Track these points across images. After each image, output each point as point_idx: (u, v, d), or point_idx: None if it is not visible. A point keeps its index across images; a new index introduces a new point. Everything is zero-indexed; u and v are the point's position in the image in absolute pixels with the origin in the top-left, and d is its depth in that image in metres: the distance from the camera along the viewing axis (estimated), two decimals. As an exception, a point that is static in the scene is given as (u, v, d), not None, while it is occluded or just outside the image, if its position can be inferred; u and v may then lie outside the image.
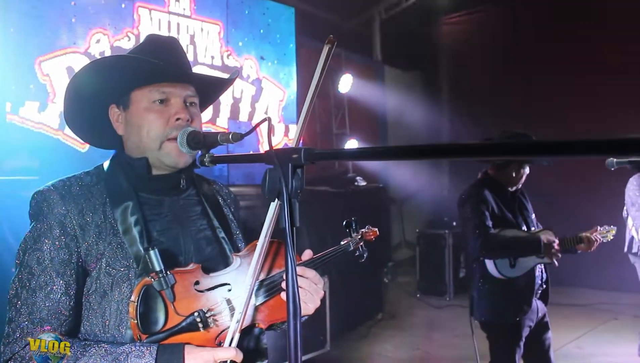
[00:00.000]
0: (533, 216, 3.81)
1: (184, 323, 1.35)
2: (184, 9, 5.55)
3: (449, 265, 8.07)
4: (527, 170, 3.67)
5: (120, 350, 1.30)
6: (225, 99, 5.99)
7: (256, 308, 1.51)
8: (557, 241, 3.51)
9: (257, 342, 1.62)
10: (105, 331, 1.40)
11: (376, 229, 2.01)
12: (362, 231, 1.94)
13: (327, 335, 5.42)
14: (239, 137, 1.32)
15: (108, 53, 4.79)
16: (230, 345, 1.34)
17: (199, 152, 1.43)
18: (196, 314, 1.36)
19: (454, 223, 8.12)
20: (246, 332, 1.51)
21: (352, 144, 8.31)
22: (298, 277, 1.52)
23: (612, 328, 6.49)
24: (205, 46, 5.75)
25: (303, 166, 1.11)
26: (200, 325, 1.36)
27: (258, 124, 1.27)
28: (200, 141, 1.43)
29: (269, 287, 1.53)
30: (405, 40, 9.15)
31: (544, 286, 3.64)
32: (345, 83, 8.09)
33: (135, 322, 1.32)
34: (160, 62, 1.50)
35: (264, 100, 6.44)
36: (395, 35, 9.33)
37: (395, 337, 6.40)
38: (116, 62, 1.59)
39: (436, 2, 9.38)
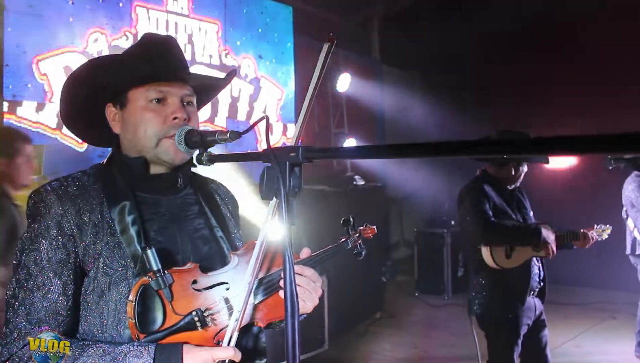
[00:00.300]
0: (531, 213, 3.83)
1: (182, 323, 1.35)
2: (182, 8, 5.54)
3: (447, 264, 8.08)
4: (525, 168, 3.69)
5: (119, 350, 1.30)
6: (224, 98, 5.98)
7: (254, 307, 1.51)
8: (555, 235, 3.53)
9: (256, 340, 1.62)
10: (103, 331, 1.40)
11: (374, 227, 2.02)
12: (360, 229, 1.94)
13: (325, 334, 5.43)
14: (236, 136, 1.32)
15: (106, 52, 4.78)
16: (229, 344, 1.34)
17: (197, 151, 1.43)
18: (194, 313, 1.36)
19: (453, 222, 8.14)
20: (245, 331, 1.51)
21: (350, 143, 8.30)
22: (296, 276, 1.53)
23: (610, 327, 6.51)
24: (203, 45, 5.74)
25: (301, 164, 1.11)
26: (198, 324, 1.36)
27: (256, 123, 1.27)
28: (198, 140, 1.43)
29: (267, 286, 1.53)
30: (404, 39, 9.14)
31: (542, 284, 3.65)
32: (344, 82, 8.08)
33: (133, 321, 1.32)
34: (157, 62, 1.49)
35: (262, 99, 6.43)
36: (394, 34, 9.33)
37: (393, 335, 6.40)
38: (112, 62, 1.59)
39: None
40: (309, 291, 1.56)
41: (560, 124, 7.64)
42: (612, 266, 5.81)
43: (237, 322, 1.34)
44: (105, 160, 1.61)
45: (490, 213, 3.51)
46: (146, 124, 1.51)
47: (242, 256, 1.52)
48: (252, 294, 1.46)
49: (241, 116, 6.16)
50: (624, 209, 5.17)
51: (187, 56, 5.54)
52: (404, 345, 6.07)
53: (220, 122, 5.94)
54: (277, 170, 1.10)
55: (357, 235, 1.91)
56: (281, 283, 1.50)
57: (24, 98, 4.26)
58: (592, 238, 3.59)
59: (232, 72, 1.73)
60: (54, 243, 1.40)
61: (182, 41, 5.54)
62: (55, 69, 4.43)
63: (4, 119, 4.14)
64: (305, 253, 1.68)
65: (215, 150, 1.42)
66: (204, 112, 5.76)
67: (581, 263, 6.27)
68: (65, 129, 4.19)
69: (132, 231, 1.45)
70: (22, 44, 4.28)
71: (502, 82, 8.82)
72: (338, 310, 5.74)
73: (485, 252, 3.52)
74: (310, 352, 5.23)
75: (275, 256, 1.57)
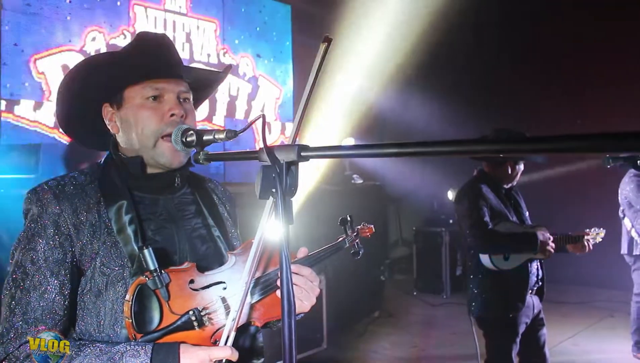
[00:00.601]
0: (527, 213, 3.83)
1: (179, 322, 1.34)
2: (180, 7, 5.53)
3: (445, 263, 8.08)
4: (521, 167, 3.69)
5: (115, 350, 1.30)
6: (222, 97, 5.98)
7: (252, 306, 1.51)
8: (551, 238, 3.53)
9: (253, 340, 1.61)
10: (100, 330, 1.39)
11: (372, 226, 2.01)
12: (358, 228, 1.94)
13: (323, 333, 5.43)
14: (233, 134, 1.31)
15: (104, 51, 4.77)
16: (226, 343, 1.33)
17: (194, 150, 1.43)
18: (191, 313, 1.35)
19: (451, 221, 8.13)
20: (242, 331, 1.50)
21: (349, 142, 8.30)
22: (293, 275, 1.52)
23: (608, 326, 6.52)
24: (202, 44, 5.74)
25: (297, 163, 1.11)
26: (195, 323, 1.35)
27: (253, 121, 1.26)
28: (195, 139, 1.42)
29: (264, 285, 1.52)
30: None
31: (540, 283, 3.65)
32: (343, 81, 8.07)
33: (130, 321, 1.31)
34: (152, 59, 1.49)
35: (261, 98, 6.43)
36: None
37: (392, 334, 6.40)
38: (107, 60, 1.58)
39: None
40: (307, 290, 1.56)
41: (561, 124, 7.65)
42: (610, 265, 5.81)
43: (234, 321, 1.34)
44: (102, 159, 1.60)
45: (488, 218, 3.50)
46: (143, 122, 1.50)
47: (239, 256, 1.52)
48: (249, 293, 1.46)
49: (239, 114, 6.16)
50: (621, 208, 5.18)
51: (185, 55, 5.54)
52: (403, 344, 6.07)
53: (219, 120, 5.94)
54: (273, 169, 1.10)
55: (355, 234, 1.90)
56: (278, 282, 1.49)
57: (22, 97, 4.26)
58: (587, 247, 3.59)
59: (228, 67, 1.73)
60: (51, 242, 1.39)
61: (180, 40, 5.54)
62: (52, 68, 4.43)
63: (2, 118, 4.14)
64: (302, 252, 1.68)
65: (213, 149, 1.41)
66: (202, 111, 5.76)
67: (579, 262, 6.25)
68: (62, 128, 4.18)
69: (129, 230, 1.44)
70: (20, 42, 4.28)
71: (502, 81, 8.82)
72: (336, 309, 5.74)
73: (483, 255, 3.52)
74: (308, 351, 5.23)
75: (273, 256, 1.57)
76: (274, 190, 1.10)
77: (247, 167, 6.02)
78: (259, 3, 6.50)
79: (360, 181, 7.35)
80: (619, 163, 3.31)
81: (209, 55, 5.80)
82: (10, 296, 1.37)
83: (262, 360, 1.64)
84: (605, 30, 7.46)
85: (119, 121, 1.56)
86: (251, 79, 6.33)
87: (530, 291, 3.57)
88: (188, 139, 1.43)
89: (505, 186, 3.72)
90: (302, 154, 1.08)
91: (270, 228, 1.25)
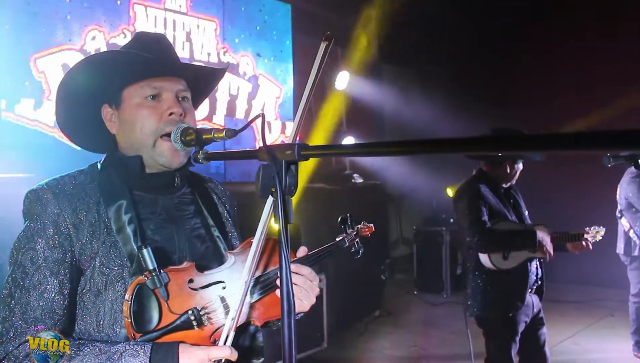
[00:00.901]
0: (526, 212, 3.83)
1: (178, 322, 1.34)
2: (180, 6, 5.52)
3: (446, 262, 8.08)
4: (520, 166, 3.69)
5: (114, 349, 1.30)
6: (222, 96, 5.97)
7: (251, 306, 1.50)
8: (550, 236, 3.53)
9: (253, 340, 1.61)
10: (99, 330, 1.40)
11: (371, 225, 2.01)
12: (358, 227, 1.93)
13: (324, 332, 5.43)
14: (233, 133, 1.31)
15: (104, 50, 4.76)
16: (225, 343, 1.33)
17: (193, 149, 1.42)
18: (190, 312, 1.35)
19: (451, 220, 8.13)
20: (241, 330, 1.50)
21: (349, 141, 8.30)
22: (293, 274, 1.52)
23: (609, 325, 6.52)
24: (202, 43, 5.73)
25: (297, 162, 1.10)
26: (194, 323, 1.35)
27: (252, 120, 1.26)
28: (194, 138, 1.42)
29: (264, 284, 1.52)
30: (403, 37, 9.13)
31: (539, 282, 3.65)
32: (342, 80, 8.07)
33: (129, 320, 1.31)
34: (149, 58, 1.49)
35: (261, 97, 6.42)
36: (393, 32, 9.31)
37: (392, 334, 6.40)
38: (105, 59, 1.58)
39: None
40: (306, 290, 1.56)
41: (561, 124, 7.64)
42: (610, 264, 5.81)
43: (233, 320, 1.34)
44: (102, 159, 1.60)
45: (487, 218, 3.50)
46: (142, 122, 1.50)
47: (238, 255, 1.52)
48: (248, 293, 1.45)
49: (239, 114, 6.15)
50: (619, 208, 5.18)
51: (186, 54, 5.53)
52: (403, 344, 6.07)
53: (219, 120, 5.93)
54: (273, 168, 1.09)
55: (355, 233, 1.90)
56: (278, 281, 1.49)
57: (22, 96, 4.25)
58: (586, 245, 3.59)
59: (226, 65, 1.73)
60: (51, 242, 1.39)
61: (180, 39, 5.53)
62: (52, 67, 4.42)
63: (2, 117, 4.13)
64: (302, 251, 1.67)
65: (212, 148, 1.41)
66: (202, 110, 5.75)
67: (579, 261, 6.25)
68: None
69: (129, 230, 1.44)
70: (20, 41, 4.27)
71: (502, 80, 8.81)
72: (337, 308, 5.74)
73: (482, 254, 3.52)
74: (308, 350, 5.23)
75: (272, 255, 1.56)
76: (273, 189, 1.10)
77: (247, 166, 6.01)
78: (259, 2, 6.49)
79: (361, 181, 7.35)
80: (619, 162, 3.31)
81: (209, 54, 5.80)
82: (9, 295, 1.37)
83: (262, 359, 1.64)
84: (606, 30, 7.46)
85: (118, 121, 1.56)
86: (251, 78, 6.32)
87: (529, 290, 3.57)
88: (187, 138, 1.43)
89: (504, 185, 3.72)
90: (301, 153, 1.08)
91: (270, 227, 1.25)
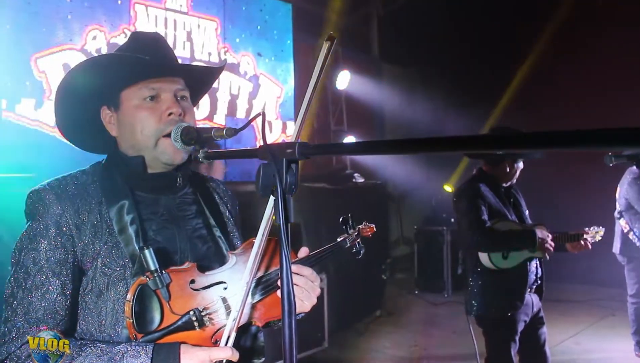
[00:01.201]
0: (527, 212, 3.82)
1: (179, 322, 1.34)
2: (181, 6, 5.53)
3: (447, 262, 8.07)
4: (520, 165, 3.68)
5: (116, 350, 1.30)
6: (223, 96, 5.98)
7: (252, 306, 1.50)
8: (550, 236, 3.53)
9: (254, 340, 1.61)
10: (101, 330, 1.40)
11: (373, 225, 2.01)
12: (359, 228, 1.93)
13: (325, 332, 5.42)
14: (233, 132, 1.30)
15: (105, 50, 4.77)
16: (226, 344, 1.33)
17: (193, 148, 1.42)
18: (192, 313, 1.35)
19: (452, 220, 8.12)
20: (242, 330, 1.50)
21: (349, 140, 8.30)
22: (294, 275, 1.52)
23: (610, 324, 6.51)
24: (202, 43, 5.73)
25: (297, 161, 1.10)
26: (195, 324, 1.35)
27: (253, 119, 1.26)
28: (194, 137, 1.42)
29: (265, 285, 1.52)
30: (403, 36, 9.14)
31: (539, 281, 3.65)
32: (343, 79, 8.08)
33: (131, 321, 1.31)
34: (146, 59, 1.48)
35: (261, 97, 6.42)
36: (393, 31, 9.31)
37: (393, 333, 6.40)
38: (101, 64, 1.56)
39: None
40: (307, 290, 1.55)
41: (561, 123, 7.63)
42: (611, 263, 5.79)
43: (234, 321, 1.33)
44: (104, 159, 1.60)
45: (486, 217, 3.50)
46: (142, 123, 1.50)
47: (240, 256, 1.52)
48: (250, 293, 1.45)
49: (240, 113, 6.15)
50: (618, 209, 5.17)
51: (186, 54, 5.53)
52: (404, 343, 6.07)
53: (220, 119, 5.93)
54: (273, 167, 1.09)
55: (356, 233, 1.90)
56: (279, 282, 1.49)
57: (22, 96, 4.25)
58: (585, 245, 3.59)
59: (223, 62, 1.72)
60: (53, 242, 1.39)
61: (180, 39, 5.53)
62: (53, 67, 4.43)
63: (2, 117, 4.14)
64: (303, 252, 1.67)
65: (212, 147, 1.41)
66: (203, 110, 5.76)
67: (581, 261, 6.25)
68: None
69: (131, 230, 1.44)
70: (20, 41, 4.27)
71: (502, 79, 8.81)
72: (337, 308, 5.74)
73: (482, 253, 3.52)
74: (309, 350, 5.23)
75: (274, 255, 1.56)
76: (274, 188, 1.09)
77: (248, 166, 6.01)
78: (259, 2, 6.49)
79: (362, 180, 7.35)
80: (621, 161, 3.30)
81: (209, 54, 5.80)
82: (12, 295, 1.37)
83: (263, 359, 1.64)
84: (607, 28, 7.45)
85: (117, 123, 1.55)
86: (252, 78, 6.32)
87: (529, 289, 3.57)
88: (187, 137, 1.43)
89: (504, 184, 3.71)
90: (302, 151, 1.07)
91: (273, 226, 1.24)
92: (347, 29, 8.31)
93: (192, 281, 1.41)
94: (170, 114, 1.50)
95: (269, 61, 6.55)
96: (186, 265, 1.43)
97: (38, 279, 1.37)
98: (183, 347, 1.30)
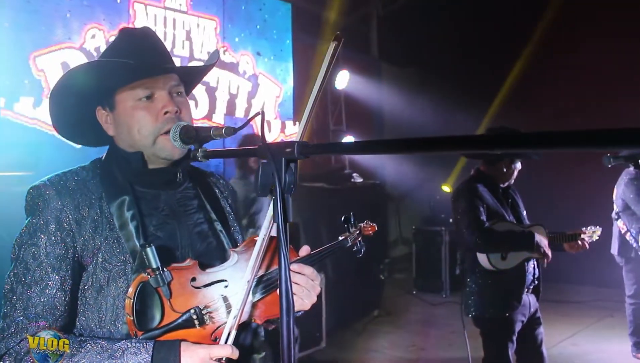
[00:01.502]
0: (525, 212, 3.83)
1: (180, 320, 1.34)
2: (180, 5, 5.52)
3: (445, 262, 8.07)
4: (518, 165, 3.69)
5: (117, 347, 1.30)
6: (222, 95, 5.97)
7: (253, 304, 1.50)
8: (547, 239, 3.54)
9: (254, 337, 1.61)
10: (101, 326, 1.40)
11: (374, 224, 2.01)
12: (361, 226, 1.93)
13: (323, 332, 5.43)
14: (232, 131, 1.30)
15: (103, 48, 4.75)
16: (226, 342, 1.33)
17: (192, 146, 1.42)
18: (192, 311, 1.35)
19: (451, 220, 8.12)
20: (242, 327, 1.50)
21: (348, 140, 8.29)
22: (295, 274, 1.52)
23: (608, 326, 6.51)
24: (202, 42, 5.73)
25: (297, 160, 1.10)
26: (196, 322, 1.35)
27: (252, 118, 1.26)
28: (193, 136, 1.42)
29: (266, 284, 1.52)
30: (403, 37, 9.14)
31: (536, 282, 3.66)
32: (342, 79, 8.07)
33: (132, 318, 1.31)
34: (138, 59, 1.47)
35: (260, 96, 6.42)
36: (393, 32, 9.32)
37: (391, 333, 6.40)
38: (93, 69, 1.54)
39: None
40: (308, 289, 1.56)
41: (561, 122, 7.63)
42: (610, 264, 5.80)
43: (235, 319, 1.34)
44: (103, 155, 1.60)
45: (485, 217, 3.50)
46: (139, 124, 1.50)
47: (241, 254, 1.52)
48: (250, 292, 1.45)
49: (239, 113, 6.15)
50: (615, 209, 5.17)
51: (185, 53, 5.53)
52: (402, 343, 6.07)
53: (218, 119, 5.93)
54: (272, 166, 1.09)
55: (357, 232, 1.90)
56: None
57: (21, 94, 4.25)
58: (582, 245, 3.60)
59: (216, 55, 1.70)
60: (53, 238, 1.39)
61: (180, 38, 5.53)
62: (52, 65, 4.42)
63: (1, 116, 4.13)
64: (304, 250, 1.67)
65: (211, 146, 1.41)
66: (202, 109, 5.75)
67: (579, 261, 6.25)
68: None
69: (131, 226, 1.44)
70: (19, 39, 4.26)
71: (501, 79, 8.81)
72: (335, 308, 5.73)
73: (480, 254, 3.52)
74: (307, 350, 5.23)
75: (276, 254, 1.56)
76: (272, 187, 1.09)
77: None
78: (259, 1, 6.48)
79: (360, 180, 7.35)
80: (619, 162, 3.30)
81: (209, 53, 5.79)
82: (11, 291, 1.37)
83: (264, 354, 1.64)
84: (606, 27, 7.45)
85: (114, 123, 1.55)
86: (251, 77, 6.32)
87: (526, 290, 3.57)
88: (186, 136, 1.43)
89: (502, 185, 3.71)
90: (301, 151, 1.07)
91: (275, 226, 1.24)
92: (346, 29, 8.31)
93: (193, 279, 1.41)
94: (166, 113, 1.50)
95: (268, 61, 6.54)
96: (187, 262, 1.43)
97: (37, 274, 1.37)
98: (183, 345, 1.30)
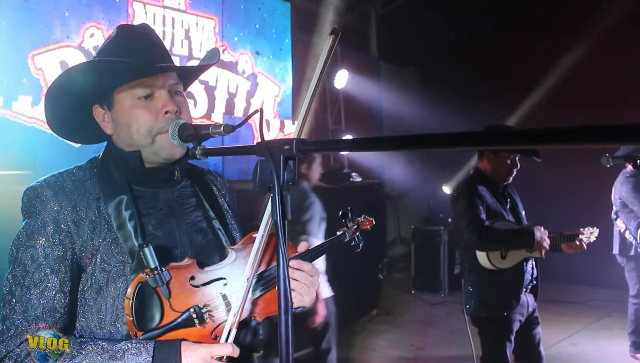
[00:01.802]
0: (523, 212, 3.83)
1: (179, 320, 1.34)
2: (179, 4, 5.51)
3: (444, 262, 8.08)
4: (517, 164, 3.69)
5: (117, 348, 1.29)
6: (221, 94, 5.97)
7: (253, 301, 1.50)
8: (547, 233, 3.53)
9: (254, 334, 1.61)
10: (101, 327, 1.39)
11: (372, 219, 2.01)
12: (359, 221, 1.94)
13: (321, 331, 5.41)
14: (230, 129, 1.30)
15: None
16: (227, 340, 1.33)
17: (191, 144, 1.42)
18: (192, 310, 1.35)
19: (449, 220, 8.12)
20: (242, 325, 1.50)
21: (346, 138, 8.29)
22: (294, 270, 1.52)
23: (606, 325, 6.52)
24: (200, 41, 5.72)
25: (295, 157, 1.09)
26: (196, 320, 1.35)
27: (250, 115, 1.25)
28: (192, 134, 1.41)
29: (266, 280, 1.52)
30: (402, 36, 9.14)
31: (534, 282, 3.66)
32: (341, 79, 8.07)
33: (131, 319, 1.31)
34: (136, 58, 1.46)
35: (259, 95, 6.42)
36: (392, 31, 9.32)
37: (389, 333, 6.40)
38: (91, 68, 1.51)
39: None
40: (307, 285, 1.55)
41: (561, 121, 7.63)
42: (608, 264, 5.81)
43: (235, 317, 1.33)
44: (100, 154, 1.58)
45: (484, 216, 3.51)
46: (138, 123, 1.48)
47: (239, 251, 1.51)
48: (250, 289, 1.45)
49: (238, 112, 6.15)
50: (614, 209, 5.18)
51: (184, 51, 5.52)
52: (400, 343, 6.07)
53: (217, 118, 5.93)
54: (270, 163, 1.08)
55: (356, 227, 1.90)
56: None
57: (20, 93, 4.24)
58: (580, 245, 3.60)
59: (216, 53, 1.69)
60: (51, 239, 1.38)
61: (179, 36, 5.52)
62: (50, 64, 4.41)
63: (0, 114, 4.12)
64: (303, 246, 1.67)
65: (210, 145, 1.40)
66: (201, 108, 5.75)
67: (577, 261, 6.27)
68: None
69: (130, 226, 1.43)
70: (18, 38, 4.26)
71: (501, 78, 8.81)
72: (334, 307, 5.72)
73: (480, 253, 3.53)
74: (306, 349, 5.22)
75: (275, 251, 1.56)
76: (271, 185, 1.09)
77: (245, 165, 6.01)
78: (258, 0, 6.48)
79: (359, 179, 7.35)
80: (618, 162, 3.31)
81: (207, 52, 5.79)
82: (10, 293, 1.35)
83: (262, 352, 1.64)
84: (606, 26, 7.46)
85: (112, 121, 1.53)
86: (250, 77, 6.32)
87: (524, 289, 3.57)
88: (185, 134, 1.42)
89: (501, 184, 3.72)
90: (299, 148, 1.07)
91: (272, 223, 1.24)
92: (345, 28, 8.31)
93: (192, 278, 1.40)
94: (167, 112, 1.49)
95: (267, 60, 6.54)
96: (186, 261, 1.42)
97: (36, 276, 1.35)
98: (184, 344, 1.30)
